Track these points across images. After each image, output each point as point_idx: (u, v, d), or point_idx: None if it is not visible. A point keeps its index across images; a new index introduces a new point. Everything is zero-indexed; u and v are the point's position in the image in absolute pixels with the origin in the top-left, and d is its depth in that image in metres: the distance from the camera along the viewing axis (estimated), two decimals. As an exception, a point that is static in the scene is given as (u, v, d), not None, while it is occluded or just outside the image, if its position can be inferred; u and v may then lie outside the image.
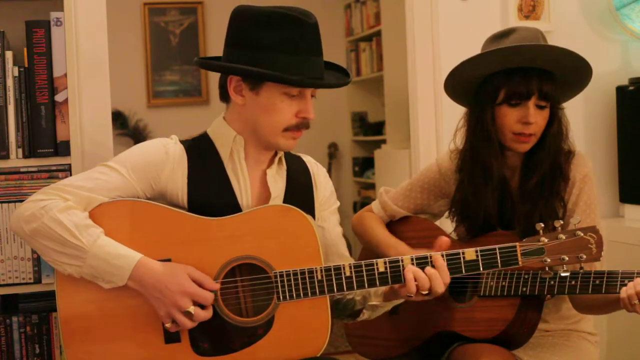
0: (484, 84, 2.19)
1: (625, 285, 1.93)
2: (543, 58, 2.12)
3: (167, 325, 1.85)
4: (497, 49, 2.13)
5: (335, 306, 2.09)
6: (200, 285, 1.84)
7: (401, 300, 2.01)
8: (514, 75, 2.14)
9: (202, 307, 1.84)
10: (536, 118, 2.13)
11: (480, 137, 2.20)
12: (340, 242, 2.13)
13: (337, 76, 2.03)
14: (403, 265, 1.88)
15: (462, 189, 2.26)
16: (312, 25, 1.91)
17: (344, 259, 2.10)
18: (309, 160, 2.15)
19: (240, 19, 1.93)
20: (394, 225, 2.41)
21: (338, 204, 2.17)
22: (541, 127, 2.16)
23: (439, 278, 1.86)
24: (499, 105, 2.17)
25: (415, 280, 1.86)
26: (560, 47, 2.13)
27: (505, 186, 2.22)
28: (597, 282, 1.98)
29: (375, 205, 2.44)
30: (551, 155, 2.17)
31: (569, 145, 2.21)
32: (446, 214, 2.39)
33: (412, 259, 1.88)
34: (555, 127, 2.17)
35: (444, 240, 1.94)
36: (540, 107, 2.14)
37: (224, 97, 2.01)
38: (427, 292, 1.87)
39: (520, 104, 2.14)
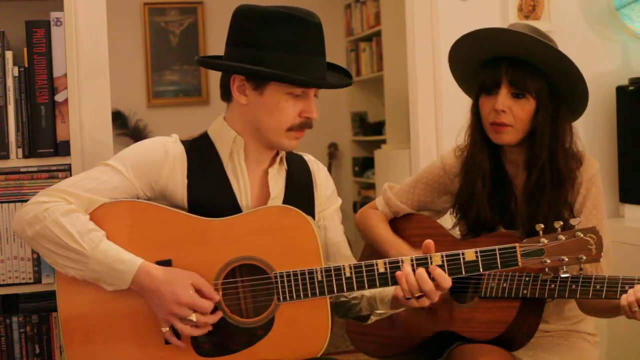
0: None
1: (626, 291, 1.92)
2: (505, 43, 2.11)
3: (164, 330, 1.85)
4: (459, 38, 2.17)
5: (339, 307, 2.09)
6: (202, 295, 1.84)
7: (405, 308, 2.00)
8: (486, 65, 2.16)
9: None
10: (508, 106, 2.11)
11: (469, 130, 2.23)
12: (342, 241, 2.13)
13: (339, 77, 2.03)
14: (403, 266, 1.88)
15: (460, 186, 2.27)
16: (316, 26, 1.91)
17: (346, 258, 2.10)
18: (309, 158, 2.14)
19: (244, 18, 1.93)
20: (396, 222, 2.41)
21: (340, 202, 2.17)
22: (520, 118, 2.13)
23: (428, 282, 1.83)
24: (480, 96, 2.18)
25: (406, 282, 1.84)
26: (533, 36, 2.09)
27: (508, 184, 2.22)
28: (598, 287, 1.98)
29: (379, 201, 2.44)
30: (546, 149, 2.13)
31: (576, 147, 2.19)
32: (450, 211, 2.39)
33: (412, 260, 1.88)
34: (540, 118, 2.13)
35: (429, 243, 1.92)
36: (516, 96, 2.12)
37: (225, 96, 2.00)
38: (419, 294, 1.85)
39: (494, 93, 2.14)
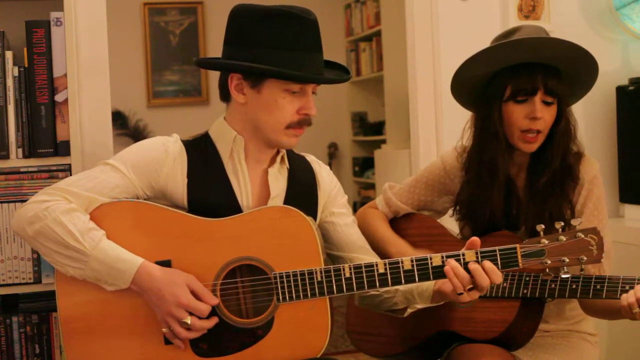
0: (491, 83, 2.19)
1: (626, 291, 1.92)
2: (547, 51, 2.12)
3: (164, 330, 1.85)
4: (499, 44, 2.14)
5: (367, 299, 2.09)
6: (199, 298, 1.84)
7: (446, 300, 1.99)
8: (519, 71, 2.14)
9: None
10: (543, 113, 2.12)
11: (487, 135, 2.19)
12: (354, 233, 2.12)
13: (336, 73, 2.03)
14: (403, 266, 1.88)
15: (468, 189, 2.25)
16: (312, 22, 1.91)
17: (363, 250, 2.10)
18: (311, 159, 2.14)
19: (240, 17, 1.93)
20: (397, 222, 2.40)
21: (346, 197, 2.16)
22: (548, 124, 2.14)
23: (483, 274, 1.83)
24: (506, 103, 2.16)
25: (457, 277, 1.84)
26: (563, 40, 2.12)
27: (511, 185, 2.21)
28: (598, 287, 1.98)
29: (379, 200, 2.43)
30: (560, 153, 2.15)
31: (577, 146, 2.20)
32: (450, 211, 2.38)
33: (412, 260, 1.88)
34: (563, 124, 2.15)
35: (474, 240, 1.91)
36: (546, 103, 2.13)
37: (224, 96, 2.01)
38: (470, 286, 1.84)
39: (527, 100, 2.13)
